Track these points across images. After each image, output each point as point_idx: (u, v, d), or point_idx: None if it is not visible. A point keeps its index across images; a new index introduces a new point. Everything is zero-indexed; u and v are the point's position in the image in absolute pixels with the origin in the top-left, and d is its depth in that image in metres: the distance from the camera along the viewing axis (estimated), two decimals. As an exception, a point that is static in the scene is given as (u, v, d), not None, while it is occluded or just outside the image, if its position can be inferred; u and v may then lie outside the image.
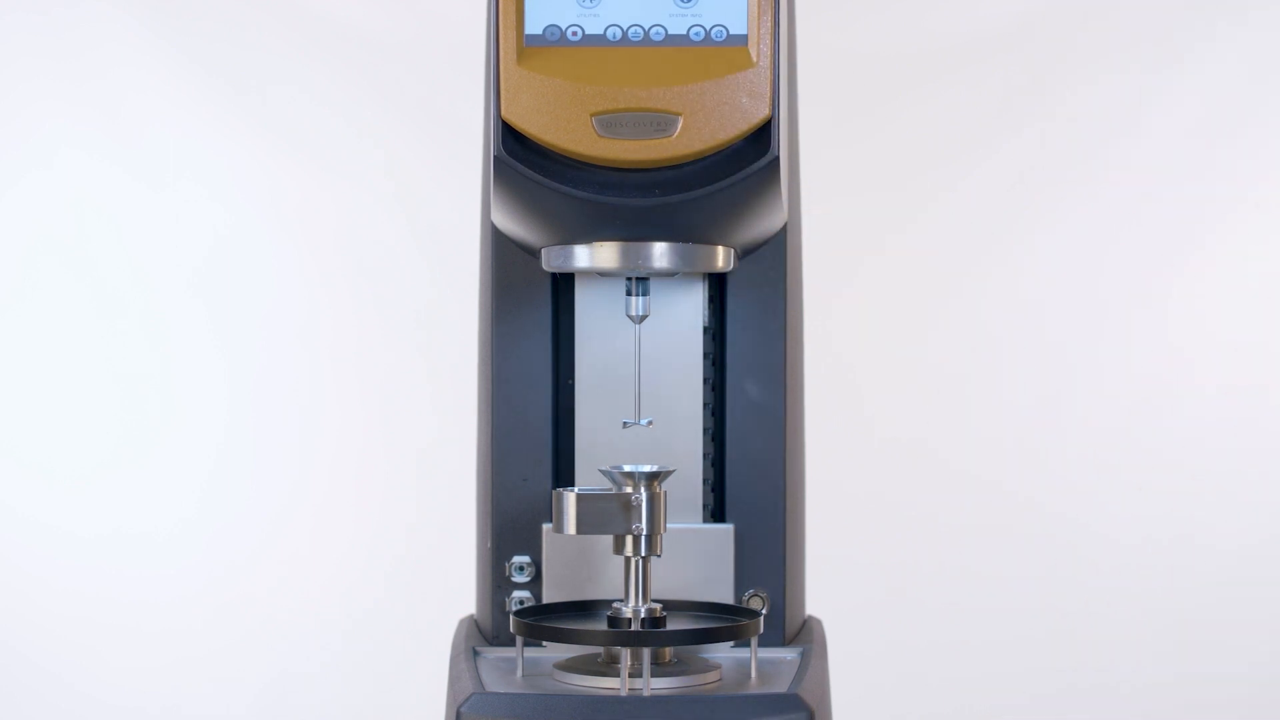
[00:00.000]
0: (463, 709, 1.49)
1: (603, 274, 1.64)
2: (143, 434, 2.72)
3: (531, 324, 1.70)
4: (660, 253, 1.54)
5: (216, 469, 2.72)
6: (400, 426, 2.72)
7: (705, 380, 1.71)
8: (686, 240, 1.54)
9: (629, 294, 1.61)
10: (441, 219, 2.69)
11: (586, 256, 1.55)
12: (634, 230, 1.53)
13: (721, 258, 1.57)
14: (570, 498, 1.56)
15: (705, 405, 1.71)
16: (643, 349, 1.67)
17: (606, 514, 1.56)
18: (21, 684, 2.70)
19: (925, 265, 2.75)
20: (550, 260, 1.57)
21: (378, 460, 2.73)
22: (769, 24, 1.49)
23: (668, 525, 1.62)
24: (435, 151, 2.70)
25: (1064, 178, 2.73)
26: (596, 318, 1.70)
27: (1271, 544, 2.73)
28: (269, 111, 2.71)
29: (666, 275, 1.66)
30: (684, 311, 1.70)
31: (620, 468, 1.58)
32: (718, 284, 1.70)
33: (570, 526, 1.56)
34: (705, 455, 1.71)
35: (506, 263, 1.69)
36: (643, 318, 1.62)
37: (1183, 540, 2.73)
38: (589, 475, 1.69)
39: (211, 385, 2.72)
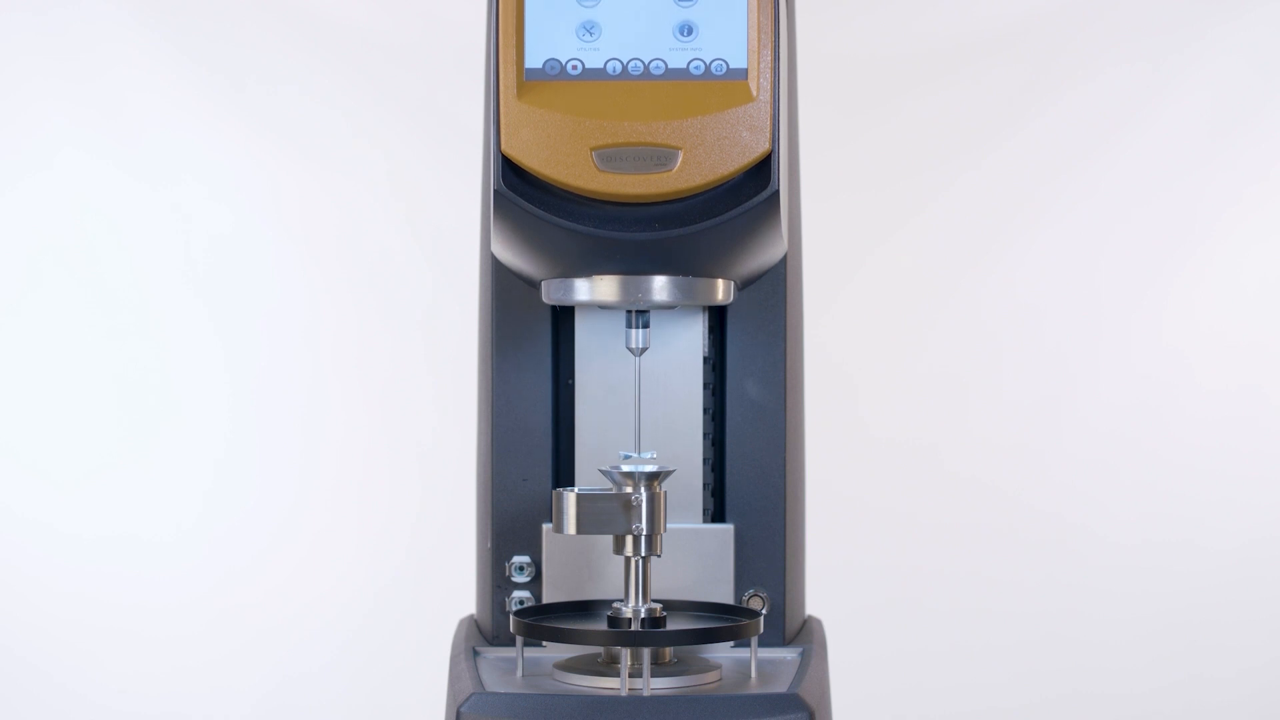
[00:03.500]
0: (463, 709, 1.49)
1: (603, 307, 1.65)
2: (145, 436, 2.72)
3: (531, 349, 1.70)
4: (660, 286, 1.55)
5: (218, 471, 2.72)
6: (401, 427, 2.72)
7: (706, 386, 1.71)
8: (686, 274, 1.55)
9: (629, 326, 1.62)
10: (441, 219, 2.69)
11: (586, 290, 1.55)
12: (634, 264, 1.53)
13: (721, 291, 1.58)
14: (570, 498, 1.56)
15: (706, 410, 1.71)
16: (645, 346, 1.67)
17: (606, 514, 1.56)
18: (22, 688, 2.70)
19: (924, 265, 2.75)
20: (550, 293, 1.58)
21: (379, 461, 2.72)
22: (769, 58, 1.49)
23: (668, 525, 1.62)
24: (435, 151, 2.70)
25: (1062, 179, 2.73)
26: (597, 330, 1.70)
27: (1272, 544, 2.73)
28: (269, 111, 2.71)
29: (666, 308, 1.66)
30: (686, 313, 1.70)
31: (620, 467, 1.58)
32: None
33: (570, 526, 1.56)
34: (705, 460, 1.71)
35: (507, 286, 1.69)
36: (643, 350, 1.62)
37: (1183, 541, 2.73)
38: (589, 475, 1.69)
39: (213, 386, 2.72)
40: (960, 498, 2.73)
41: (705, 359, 1.71)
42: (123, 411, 2.72)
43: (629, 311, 1.61)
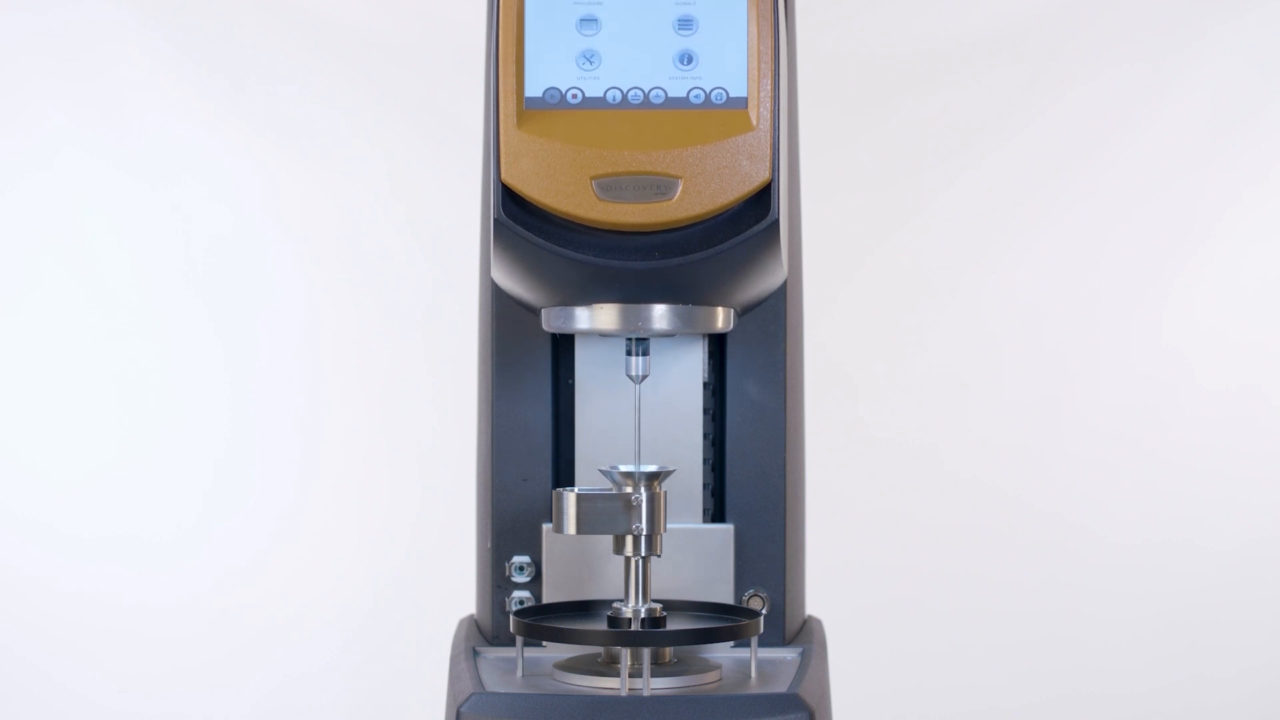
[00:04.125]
0: (463, 709, 1.49)
1: (603, 335, 1.65)
2: (145, 436, 2.72)
3: (531, 349, 1.70)
4: (660, 315, 1.54)
5: (218, 471, 2.72)
6: (401, 427, 2.72)
7: (705, 411, 1.71)
8: (686, 302, 1.55)
9: (629, 354, 1.61)
10: (441, 219, 2.69)
11: (586, 318, 1.55)
12: (634, 292, 1.53)
13: (721, 319, 1.58)
14: (570, 498, 1.56)
15: (706, 436, 1.71)
16: (645, 374, 1.67)
17: (606, 514, 1.56)
18: (22, 688, 2.70)
19: (924, 265, 2.75)
20: (550, 321, 1.58)
21: (379, 461, 2.72)
22: (769, 87, 1.49)
23: (668, 525, 1.62)
24: (435, 151, 2.70)
25: (1062, 179, 2.73)
26: (597, 352, 1.70)
27: (1272, 544, 2.73)
28: (270, 111, 2.71)
29: (666, 336, 1.66)
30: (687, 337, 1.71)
31: (619, 467, 1.58)
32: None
33: (570, 526, 1.56)
34: (705, 485, 1.71)
35: (507, 317, 1.69)
36: (643, 378, 1.62)
37: (1183, 541, 2.73)
38: (589, 476, 1.69)
39: (213, 386, 2.72)
40: (960, 498, 2.73)
41: (705, 384, 1.71)
42: (123, 411, 2.72)
43: (629, 339, 1.61)
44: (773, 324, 1.69)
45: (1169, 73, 2.71)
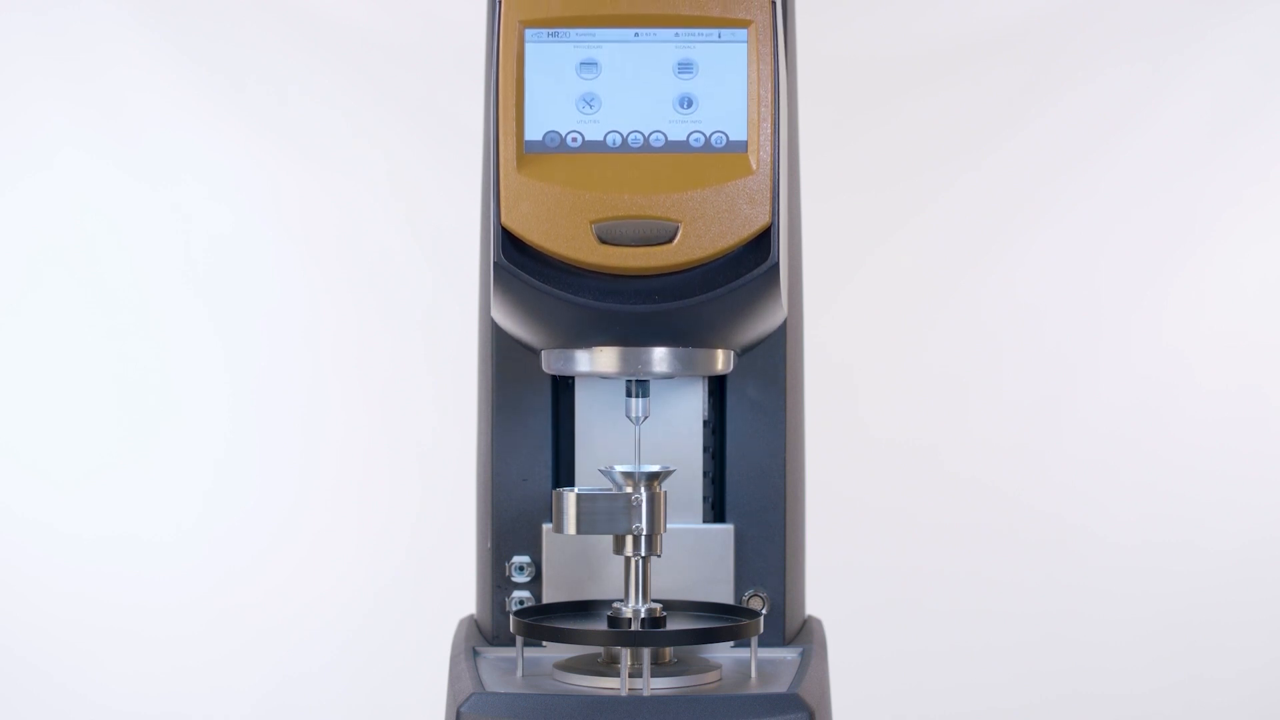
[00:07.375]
0: (463, 709, 1.49)
1: (603, 378, 1.65)
2: (145, 436, 2.72)
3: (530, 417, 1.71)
4: (660, 358, 1.55)
5: (218, 471, 2.72)
6: (401, 427, 2.72)
7: (705, 449, 1.71)
8: (686, 345, 1.55)
9: (629, 395, 1.62)
10: (441, 219, 2.69)
11: (586, 361, 1.55)
12: (634, 335, 1.53)
13: (721, 361, 1.58)
14: (570, 498, 1.56)
15: (705, 424, 1.71)
16: (645, 415, 1.67)
17: (606, 514, 1.56)
18: (22, 688, 2.70)
19: (924, 265, 2.75)
20: (550, 363, 1.58)
21: (379, 461, 2.72)
22: (769, 130, 1.49)
23: (668, 525, 1.62)
24: (435, 151, 2.70)
25: (1062, 179, 2.73)
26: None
27: (1272, 544, 2.73)
28: (269, 111, 2.71)
29: (666, 378, 1.66)
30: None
31: (619, 468, 1.58)
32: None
33: (570, 526, 1.56)
34: (706, 464, 1.71)
35: (507, 356, 1.69)
36: (643, 419, 1.62)
37: (1184, 542, 2.73)
38: (589, 476, 1.69)
39: (213, 386, 2.72)
40: (960, 498, 2.73)
41: (705, 422, 1.71)
42: (123, 411, 2.72)
43: (629, 381, 1.61)
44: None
45: (1169, 73, 2.71)
